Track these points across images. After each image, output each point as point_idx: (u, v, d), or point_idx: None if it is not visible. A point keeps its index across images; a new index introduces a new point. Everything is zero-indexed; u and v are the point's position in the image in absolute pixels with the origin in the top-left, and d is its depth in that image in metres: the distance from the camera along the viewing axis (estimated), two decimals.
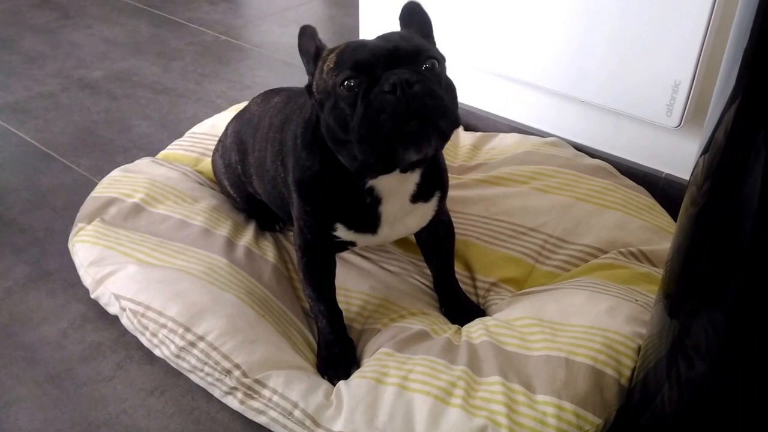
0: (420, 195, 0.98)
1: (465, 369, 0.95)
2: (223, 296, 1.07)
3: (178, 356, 1.02)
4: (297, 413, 0.93)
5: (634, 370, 0.93)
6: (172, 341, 1.02)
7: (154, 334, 1.04)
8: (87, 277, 1.15)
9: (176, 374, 1.05)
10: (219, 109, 1.72)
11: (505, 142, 1.48)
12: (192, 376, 1.02)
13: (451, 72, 0.89)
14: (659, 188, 1.34)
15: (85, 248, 1.18)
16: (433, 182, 0.99)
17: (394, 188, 0.95)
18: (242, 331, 1.01)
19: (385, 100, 0.79)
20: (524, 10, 1.34)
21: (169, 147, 1.50)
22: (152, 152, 1.52)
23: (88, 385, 1.04)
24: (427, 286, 1.17)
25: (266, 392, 0.96)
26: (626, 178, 1.35)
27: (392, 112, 0.78)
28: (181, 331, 1.02)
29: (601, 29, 1.26)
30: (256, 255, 1.19)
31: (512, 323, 1.02)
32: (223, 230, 1.23)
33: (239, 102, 1.64)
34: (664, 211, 1.28)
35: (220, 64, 2.03)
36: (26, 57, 2.06)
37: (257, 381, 0.97)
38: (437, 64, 0.83)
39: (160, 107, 1.80)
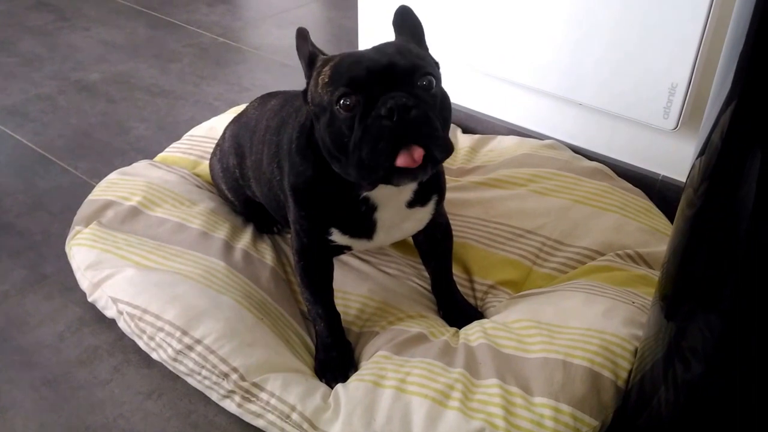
0: (417, 200, 0.98)
1: (463, 371, 0.95)
2: (220, 299, 1.07)
3: (175, 360, 1.02)
4: (295, 416, 0.93)
5: (630, 372, 0.94)
6: (169, 344, 1.02)
7: (151, 338, 1.04)
8: (84, 281, 1.15)
9: (174, 378, 1.05)
10: (217, 112, 1.72)
11: (503, 144, 1.48)
12: (189, 380, 1.02)
13: (450, 75, 0.89)
14: (656, 190, 1.35)
15: (82, 251, 1.18)
16: (431, 186, 0.99)
17: (390, 196, 0.95)
18: (240, 334, 1.01)
19: (382, 126, 0.80)
20: (522, 13, 1.34)
21: (166, 150, 1.49)
22: (150, 155, 1.52)
23: (85, 388, 1.04)
24: (425, 288, 1.17)
25: (264, 395, 0.96)
26: (623, 180, 1.35)
27: (389, 139, 0.79)
28: (178, 334, 1.02)
29: (599, 32, 1.26)
30: (254, 258, 1.19)
31: (510, 326, 1.02)
32: (221, 233, 1.22)
33: (237, 104, 1.65)
34: (660, 213, 1.28)
35: (218, 67, 2.03)
36: (23, 59, 2.06)
37: (255, 384, 0.96)
38: (433, 81, 0.84)
39: (158, 110, 1.80)
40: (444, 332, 1.05)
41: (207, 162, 1.38)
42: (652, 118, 1.26)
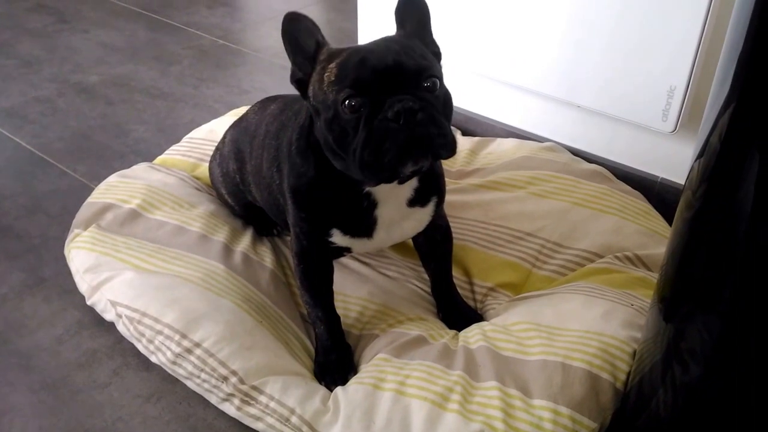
0: (417, 199, 0.98)
1: (462, 374, 0.95)
2: (220, 302, 1.07)
3: (174, 363, 1.02)
4: (294, 419, 0.93)
5: (629, 374, 0.94)
6: (168, 348, 1.02)
7: (150, 341, 1.04)
8: (83, 284, 1.15)
9: (173, 381, 1.05)
10: (217, 114, 1.72)
11: (503, 146, 1.48)
12: (189, 383, 1.02)
13: (450, 77, 0.90)
14: (655, 192, 1.35)
15: (81, 254, 1.18)
16: (430, 187, 1.00)
17: (391, 192, 0.95)
18: (239, 337, 1.01)
19: (389, 128, 0.80)
20: (522, 17, 1.35)
21: (166, 152, 1.49)
22: (149, 157, 1.52)
23: (84, 392, 1.04)
24: (425, 291, 1.17)
25: (263, 398, 0.96)
26: (622, 182, 1.35)
27: (395, 141, 0.80)
28: (177, 337, 1.02)
29: (598, 35, 1.26)
30: (254, 261, 1.19)
31: (509, 328, 1.02)
32: (221, 236, 1.22)
33: (237, 107, 1.65)
34: (659, 215, 1.28)
35: (217, 69, 2.03)
36: (22, 61, 2.06)
37: (254, 387, 0.96)
38: (437, 83, 0.85)
39: (158, 112, 1.80)
40: (443, 335, 1.05)
41: (207, 165, 1.38)
42: (651, 120, 1.26)
